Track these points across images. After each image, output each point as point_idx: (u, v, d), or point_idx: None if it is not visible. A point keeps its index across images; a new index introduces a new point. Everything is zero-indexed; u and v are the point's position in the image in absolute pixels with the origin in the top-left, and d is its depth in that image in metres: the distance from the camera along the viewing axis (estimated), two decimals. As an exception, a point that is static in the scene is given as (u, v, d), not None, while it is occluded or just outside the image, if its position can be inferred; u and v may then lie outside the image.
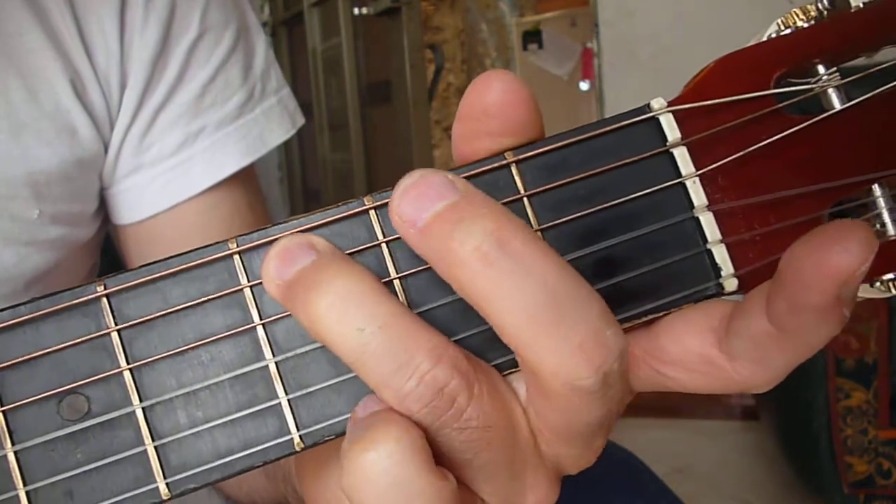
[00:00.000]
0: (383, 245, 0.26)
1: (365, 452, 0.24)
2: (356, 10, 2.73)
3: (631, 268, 0.27)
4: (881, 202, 0.28)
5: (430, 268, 0.25)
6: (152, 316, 0.26)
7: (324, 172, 3.06)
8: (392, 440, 0.24)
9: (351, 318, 0.24)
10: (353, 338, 0.24)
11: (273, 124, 0.57)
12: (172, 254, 0.26)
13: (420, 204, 0.23)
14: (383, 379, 0.24)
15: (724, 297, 0.27)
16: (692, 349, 0.26)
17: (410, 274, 0.26)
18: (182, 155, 0.53)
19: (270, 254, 0.25)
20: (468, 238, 0.23)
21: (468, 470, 0.26)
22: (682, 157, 0.27)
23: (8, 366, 0.26)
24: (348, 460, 0.24)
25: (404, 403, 0.24)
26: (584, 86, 2.80)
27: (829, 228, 0.22)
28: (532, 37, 2.87)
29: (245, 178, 0.57)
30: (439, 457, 0.25)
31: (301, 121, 0.60)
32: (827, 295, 0.22)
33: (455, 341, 0.26)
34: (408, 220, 0.23)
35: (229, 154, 0.54)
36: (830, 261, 0.22)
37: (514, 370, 0.26)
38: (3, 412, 0.26)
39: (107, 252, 0.59)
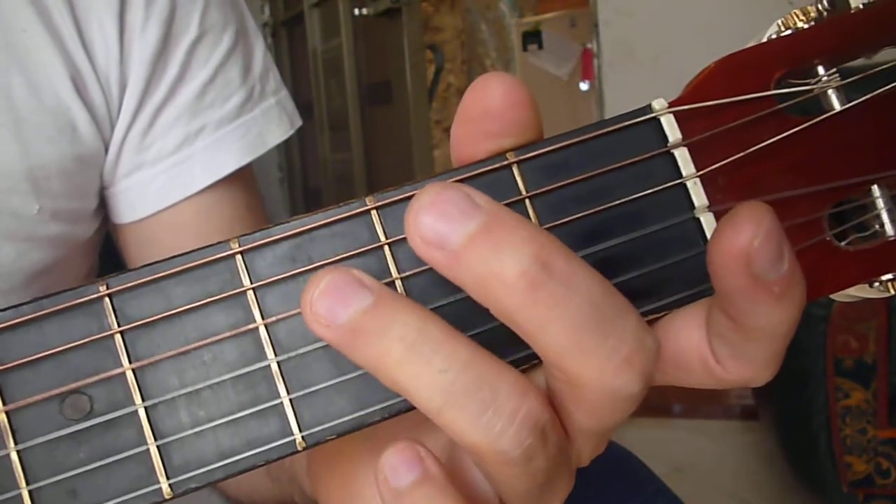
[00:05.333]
0: (385, 246, 0.26)
1: None
2: (356, 11, 2.73)
3: (632, 268, 0.27)
4: (880, 203, 0.28)
5: (431, 268, 0.25)
6: (155, 316, 0.26)
7: (324, 173, 3.07)
8: None
9: (433, 361, 0.22)
10: (437, 381, 0.22)
11: (272, 124, 0.57)
12: (172, 253, 0.26)
13: (446, 225, 0.22)
14: (471, 422, 0.22)
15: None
16: (687, 347, 0.27)
17: (413, 275, 0.26)
18: (182, 153, 0.53)
19: (314, 292, 0.23)
20: (512, 263, 0.22)
21: (517, 491, 0.25)
22: (682, 157, 0.27)
23: (11, 366, 0.26)
24: None
25: (497, 445, 0.23)
26: (583, 86, 2.80)
27: (726, 215, 0.23)
28: (532, 37, 2.87)
29: (244, 179, 0.57)
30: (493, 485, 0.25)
31: (299, 122, 0.60)
32: (739, 276, 0.23)
33: None
34: (433, 243, 0.22)
35: (229, 152, 0.54)
36: (724, 243, 0.23)
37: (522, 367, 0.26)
38: (6, 412, 0.26)
39: (109, 255, 0.60)
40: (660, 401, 2.04)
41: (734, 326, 0.25)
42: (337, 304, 0.23)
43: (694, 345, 0.27)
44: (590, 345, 0.22)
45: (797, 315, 0.24)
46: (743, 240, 0.23)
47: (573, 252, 0.23)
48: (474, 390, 0.22)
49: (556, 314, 0.22)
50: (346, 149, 2.86)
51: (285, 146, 3.07)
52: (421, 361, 0.22)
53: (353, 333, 0.23)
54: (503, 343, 0.25)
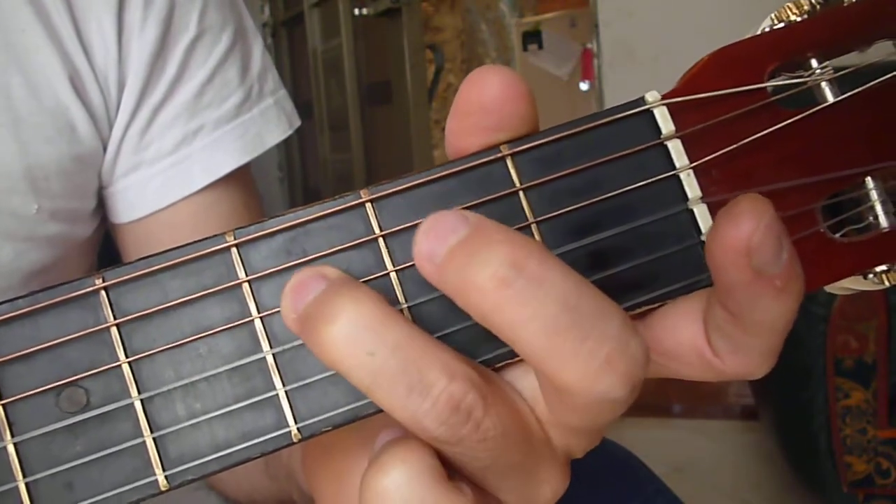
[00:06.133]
0: (380, 238, 0.26)
1: (375, 478, 0.24)
2: (356, 11, 2.74)
3: (626, 259, 0.27)
4: (874, 194, 0.28)
5: None
6: (150, 309, 0.26)
7: (324, 172, 3.07)
8: (399, 462, 0.24)
9: (361, 343, 0.23)
10: (365, 363, 0.23)
11: (270, 124, 0.57)
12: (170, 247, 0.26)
13: (436, 241, 0.23)
14: (399, 402, 0.23)
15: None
16: (684, 340, 0.27)
17: (408, 267, 0.26)
18: (181, 153, 0.53)
19: (286, 289, 0.25)
20: (484, 266, 0.22)
21: (487, 476, 0.26)
22: (676, 149, 0.27)
23: (7, 359, 0.26)
24: (363, 488, 0.25)
25: (422, 424, 0.24)
26: (583, 86, 2.80)
27: (724, 208, 0.24)
28: (532, 37, 2.88)
29: (242, 178, 0.57)
30: (457, 468, 0.25)
31: (298, 122, 0.60)
32: (740, 270, 0.23)
33: (448, 335, 0.26)
34: (425, 258, 0.24)
35: (227, 152, 0.54)
36: (724, 237, 0.23)
37: (505, 363, 0.27)
38: (3, 405, 0.26)
39: (108, 255, 0.60)
40: (660, 401, 2.04)
41: (734, 320, 0.25)
42: (298, 298, 0.24)
43: (690, 337, 0.27)
44: (567, 346, 0.22)
45: (796, 308, 0.24)
46: (743, 233, 0.23)
47: (551, 254, 0.23)
48: (399, 374, 0.23)
49: (529, 314, 0.22)
50: (346, 149, 2.86)
51: (285, 146, 3.08)
52: (352, 345, 0.23)
53: (304, 321, 0.24)
54: (491, 339, 0.25)
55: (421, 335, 0.24)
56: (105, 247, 0.59)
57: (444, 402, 0.23)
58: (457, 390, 0.24)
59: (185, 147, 0.53)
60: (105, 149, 0.52)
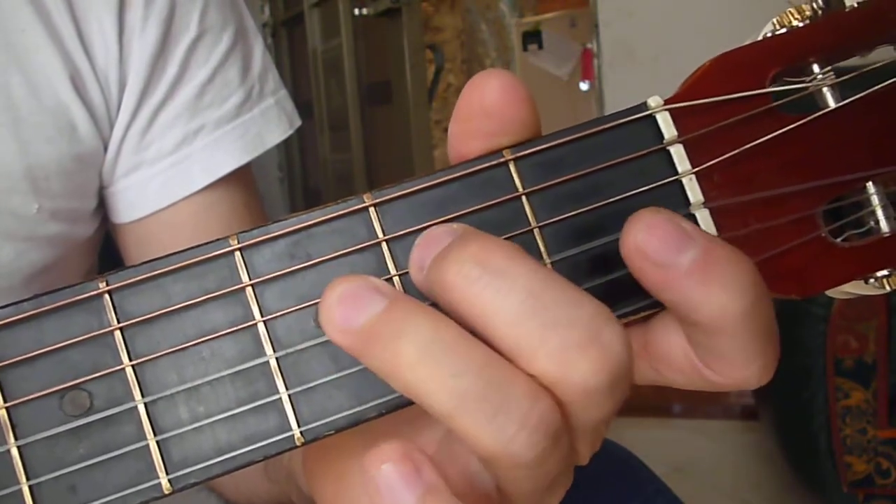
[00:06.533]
0: (383, 243, 0.27)
1: None
2: (356, 11, 2.74)
3: None
4: (875, 199, 0.28)
5: None
6: (154, 312, 0.26)
7: (324, 172, 3.07)
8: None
9: (445, 364, 0.22)
10: (449, 385, 0.22)
11: (271, 124, 0.57)
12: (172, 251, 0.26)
13: (425, 251, 0.25)
14: (484, 425, 0.22)
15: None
16: (677, 347, 0.27)
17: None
18: (181, 153, 0.53)
19: (331, 300, 0.23)
20: (452, 265, 0.23)
21: (513, 490, 0.25)
22: (678, 154, 0.27)
23: (11, 362, 0.26)
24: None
25: (509, 448, 0.22)
26: (583, 86, 2.80)
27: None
28: (532, 37, 2.88)
29: (243, 178, 0.57)
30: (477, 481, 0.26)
31: (298, 122, 0.60)
32: (646, 273, 0.24)
33: None
34: (416, 267, 0.25)
35: (228, 152, 0.54)
36: (622, 245, 0.24)
37: None
38: (7, 408, 0.26)
39: (108, 255, 0.60)
40: (660, 401, 2.04)
41: (688, 326, 0.25)
42: (353, 310, 0.23)
43: (681, 346, 0.27)
44: (536, 334, 0.23)
45: (738, 299, 0.24)
46: (631, 237, 0.24)
47: (521, 252, 0.23)
48: (487, 394, 0.22)
49: (496, 306, 0.23)
50: (346, 149, 2.86)
51: (285, 146, 3.07)
52: (433, 365, 0.22)
53: (368, 338, 0.23)
54: None
55: (498, 355, 0.23)
56: (106, 247, 0.59)
57: (534, 425, 0.22)
58: (546, 411, 0.23)
59: (185, 147, 0.54)
60: (106, 148, 0.52)
